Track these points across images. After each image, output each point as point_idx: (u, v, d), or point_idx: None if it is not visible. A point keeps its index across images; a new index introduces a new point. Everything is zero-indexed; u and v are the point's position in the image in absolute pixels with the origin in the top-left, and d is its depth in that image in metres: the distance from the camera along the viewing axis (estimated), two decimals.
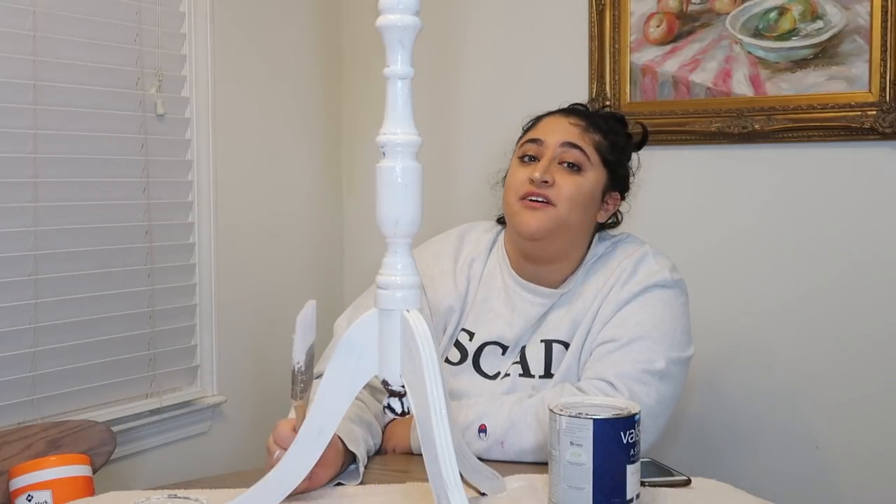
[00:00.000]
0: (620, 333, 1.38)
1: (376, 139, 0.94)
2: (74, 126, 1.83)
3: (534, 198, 1.41)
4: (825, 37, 1.94)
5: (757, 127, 2.00)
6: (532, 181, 1.41)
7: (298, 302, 2.64)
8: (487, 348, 1.44)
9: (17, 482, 1.31)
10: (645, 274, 1.43)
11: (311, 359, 1.08)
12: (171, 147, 2.04)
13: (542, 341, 1.42)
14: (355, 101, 2.50)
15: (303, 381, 1.07)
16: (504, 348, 1.44)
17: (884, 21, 1.88)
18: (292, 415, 1.15)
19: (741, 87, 2.03)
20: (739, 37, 2.02)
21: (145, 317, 1.98)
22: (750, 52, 2.02)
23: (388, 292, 0.95)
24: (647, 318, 1.39)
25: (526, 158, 1.46)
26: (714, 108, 2.05)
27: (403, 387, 0.96)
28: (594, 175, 1.46)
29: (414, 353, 0.92)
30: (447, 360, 1.45)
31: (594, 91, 2.16)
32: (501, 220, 1.56)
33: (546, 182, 1.40)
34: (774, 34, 1.99)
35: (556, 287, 1.46)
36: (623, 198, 1.54)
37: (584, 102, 1.58)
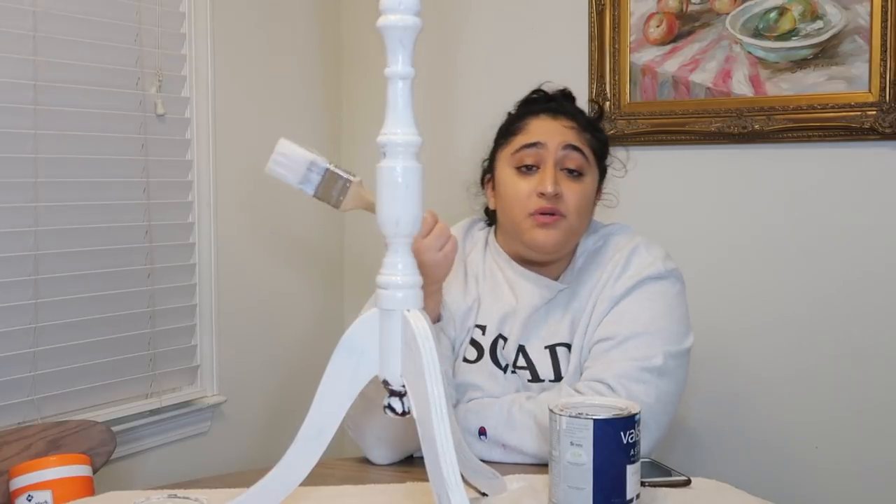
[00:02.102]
0: (616, 331, 1.37)
1: (376, 139, 0.94)
2: (74, 126, 1.83)
3: (545, 212, 1.38)
4: (825, 37, 1.94)
5: (757, 127, 2.00)
6: (543, 195, 1.38)
7: (298, 302, 2.66)
8: (500, 341, 1.44)
9: (17, 482, 1.31)
10: (637, 267, 1.41)
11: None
12: (171, 147, 2.04)
13: (546, 348, 1.42)
14: (355, 101, 2.51)
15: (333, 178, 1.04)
16: (505, 339, 1.44)
17: (884, 21, 1.88)
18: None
19: (741, 87, 2.03)
20: (739, 37, 2.02)
21: (145, 317, 1.98)
22: (750, 52, 2.02)
23: (389, 292, 0.95)
24: (643, 313, 1.38)
25: (524, 168, 1.42)
26: (714, 108, 2.05)
27: (404, 387, 0.96)
28: (592, 178, 1.45)
29: (414, 353, 0.92)
30: (465, 360, 1.43)
31: (594, 91, 2.17)
32: (487, 212, 1.55)
33: (557, 195, 1.38)
34: (774, 34, 1.99)
35: (554, 279, 1.46)
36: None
37: (548, 90, 1.53)
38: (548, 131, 1.43)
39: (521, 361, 1.42)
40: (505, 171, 1.45)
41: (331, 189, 1.06)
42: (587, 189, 1.44)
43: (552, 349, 1.41)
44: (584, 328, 1.40)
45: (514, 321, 1.43)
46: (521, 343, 1.42)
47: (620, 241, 1.47)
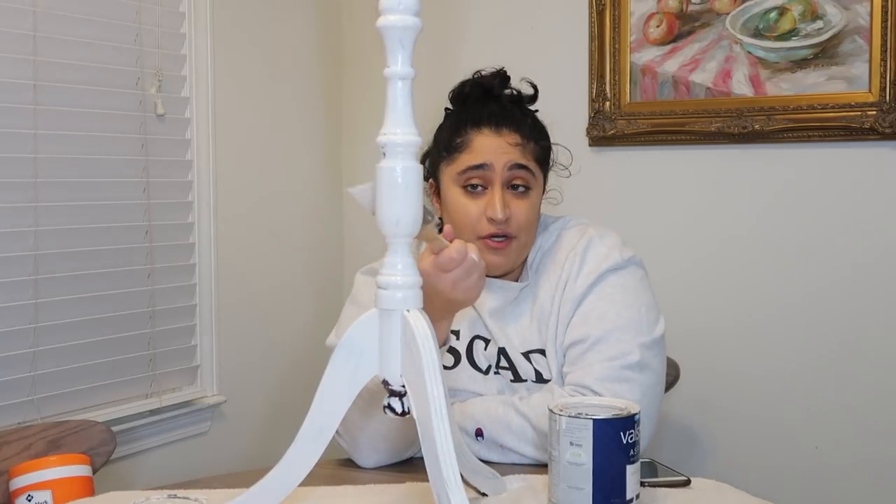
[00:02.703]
0: (587, 332, 1.35)
1: (376, 139, 0.94)
2: (74, 126, 1.83)
3: (497, 237, 1.37)
4: (825, 37, 1.94)
5: (757, 127, 2.00)
6: (492, 220, 1.36)
7: (298, 302, 2.65)
8: (475, 342, 1.43)
9: (17, 482, 1.31)
10: (594, 262, 1.39)
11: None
12: (171, 147, 2.04)
13: (521, 354, 1.41)
14: (355, 101, 2.51)
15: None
16: (486, 341, 1.43)
17: (884, 21, 1.88)
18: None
19: (741, 87, 2.03)
20: (739, 37, 2.02)
21: (145, 317, 1.98)
22: (750, 52, 2.02)
23: (389, 292, 0.95)
24: (609, 308, 1.36)
25: (470, 187, 1.38)
26: (714, 108, 2.05)
27: (403, 387, 0.96)
28: (538, 188, 1.43)
29: (414, 353, 0.92)
30: (444, 367, 1.43)
31: (594, 91, 2.17)
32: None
33: (507, 219, 1.36)
34: (774, 34, 1.99)
35: (511, 278, 1.45)
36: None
37: (483, 78, 1.48)
38: (493, 150, 1.38)
39: (504, 362, 1.42)
40: (452, 189, 1.41)
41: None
42: (535, 202, 1.42)
43: (526, 355, 1.41)
44: (554, 333, 1.39)
45: (486, 323, 1.42)
46: (501, 346, 1.42)
47: (573, 237, 1.44)
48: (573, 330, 1.37)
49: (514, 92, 1.48)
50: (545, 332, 1.40)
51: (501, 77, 1.49)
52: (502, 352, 1.41)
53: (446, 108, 1.50)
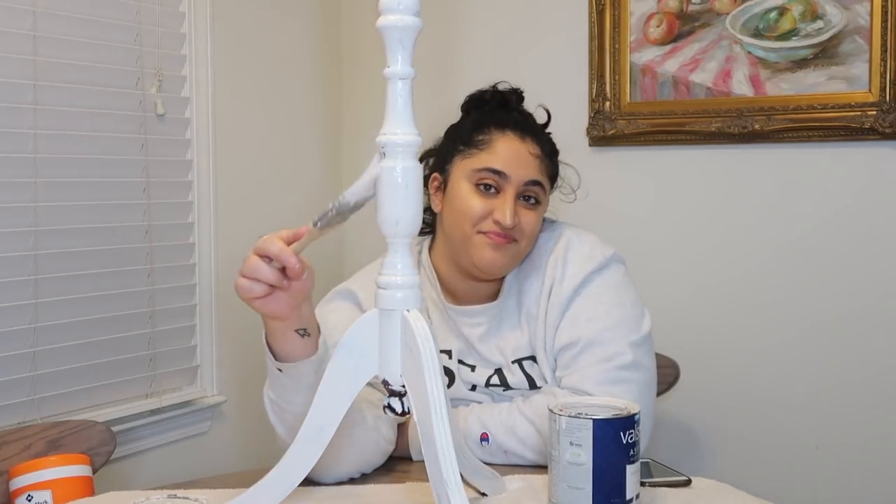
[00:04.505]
0: (577, 335, 1.35)
1: (376, 139, 0.94)
2: (74, 126, 1.83)
3: (500, 235, 1.36)
4: (825, 37, 1.94)
5: (757, 127, 2.00)
6: (498, 223, 1.35)
7: None
8: (460, 367, 1.44)
9: (17, 482, 1.31)
10: (577, 265, 1.39)
11: (353, 206, 0.98)
12: (171, 147, 2.04)
13: (513, 362, 1.41)
14: (355, 100, 2.51)
15: (331, 215, 0.99)
16: (472, 367, 1.43)
17: (884, 21, 1.88)
18: None
19: (741, 87, 2.03)
20: (739, 37, 2.02)
21: (145, 317, 1.98)
22: (750, 52, 2.02)
23: (389, 292, 0.95)
24: (596, 310, 1.36)
25: (482, 187, 1.38)
26: (714, 108, 2.05)
27: (403, 387, 0.96)
28: (545, 202, 1.44)
29: (414, 352, 0.92)
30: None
31: (594, 91, 2.17)
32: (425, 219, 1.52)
33: (514, 227, 1.36)
34: (774, 34, 1.99)
35: (492, 299, 1.44)
36: None
37: (503, 89, 1.48)
38: (514, 159, 1.38)
39: (495, 380, 1.41)
40: (462, 183, 1.39)
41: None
42: (541, 215, 1.42)
43: (519, 363, 1.41)
44: (543, 340, 1.39)
45: (478, 350, 1.42)
46: (497, 366, 1.41)
47: (549, 241, 1.44)
48: (563, 333, 1.37)
49: (528, 113, 1.49)
50: (535, 339, 1.40)
51: (518, 94, 1.50)
52: (498, 372, 1.41)
53: (463, 107, 1.50)
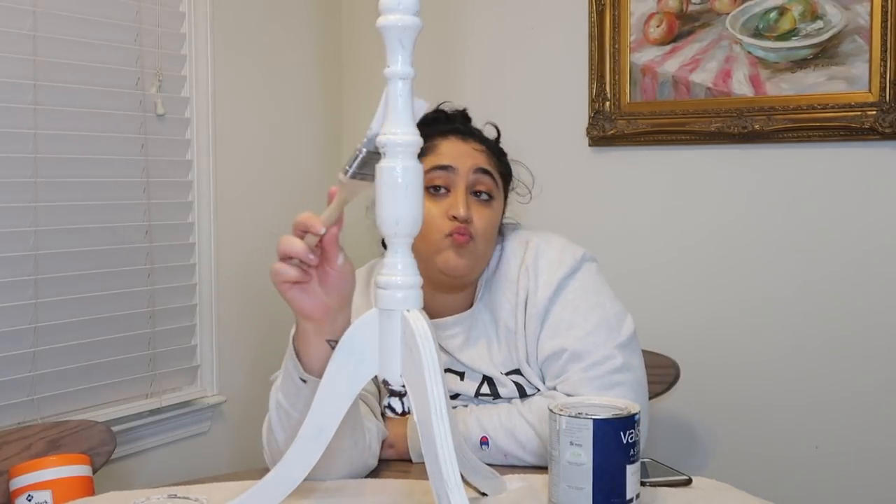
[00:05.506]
0: (560, 344, 1.34)
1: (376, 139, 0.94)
2: (74, 126, 1.83)
3: (461, 232, 1.35)
4: (825, 37, 1.94)
5: (757, 127, 2.00)
6: (456, 218, 1.34)
7: None
8: (454, 375, 1.44)
9: (17, 482, 1.31)
10: (548, 272, 1.38)
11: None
12: (171, 147, 2.04)
13: (502, 374, 1.41)
14: (355, 101, 2.51)
15: (362, 156, 0.95)
16: (460, 374, 1.43)
17: (884, 21, 1.88)
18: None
19: (741, 87, 2.03)
20: (739, 37, 2.02)
21: (145, 317, 1.98)
22: (750, 52, 2.02)
23: (389, 292, 0.95)
24: (575, 316, 1.35)
25: (433, 189, 1.37)
26: (714, 108, 2.05)
27: (403, 387, 0.96)
28: (499, 203, 1.43)
29: (414, 352, 0.92)
30: None
31: (594, 91, 2.17)
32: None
33: (468, 220, 1.35)
34: (774, 34, 1.99)
35: (465, 309, 1.43)
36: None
37: (447, 110, 1.49)
38: (459, 154, 1.39)
39: (485, 389, 1.41)
40: None
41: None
42: (495, 214, 1.41)
43: (506, 375, 1.41)
44: (525, 352, 1.38)
45: (461, 360, 1.41)
46: (486, 374, 1.40)
47: (516, 249, 1.43)
48: (545, 343, 1.36)
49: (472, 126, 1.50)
50: (516, 353, 1.39)
51: (462, 114, 1.51)
52: (487, 381, 1.41)
53: None
